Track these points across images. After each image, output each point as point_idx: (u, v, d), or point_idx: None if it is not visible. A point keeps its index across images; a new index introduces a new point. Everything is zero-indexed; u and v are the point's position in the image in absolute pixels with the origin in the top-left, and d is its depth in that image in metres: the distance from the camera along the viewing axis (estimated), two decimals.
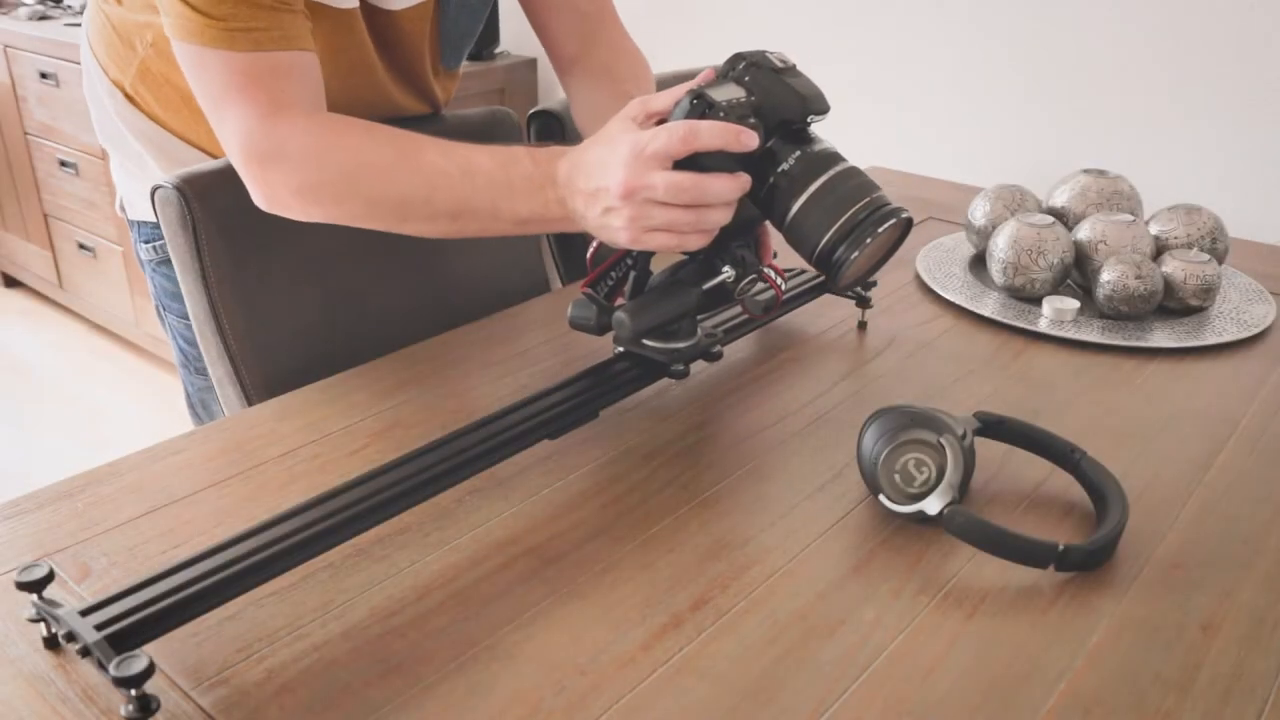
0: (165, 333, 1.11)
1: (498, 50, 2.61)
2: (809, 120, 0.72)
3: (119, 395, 2.56)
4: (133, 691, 0.50)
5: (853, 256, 0.70)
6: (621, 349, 0.81)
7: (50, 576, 0.55)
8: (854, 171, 0.72)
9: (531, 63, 2.64)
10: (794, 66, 0.73)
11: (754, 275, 0.78)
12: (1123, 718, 0.53)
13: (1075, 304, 1.00)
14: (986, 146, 2.05)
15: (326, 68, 0.92)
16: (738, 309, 0.88)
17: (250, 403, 0.93)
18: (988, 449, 0.75)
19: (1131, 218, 1.05)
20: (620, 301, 0.79)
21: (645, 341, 0.78)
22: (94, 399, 2.55)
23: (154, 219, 0.94)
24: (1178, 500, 0.72)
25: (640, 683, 0.55)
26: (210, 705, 0.53)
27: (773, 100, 0.71)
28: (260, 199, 0.83)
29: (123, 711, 0.50)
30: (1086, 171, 1.13)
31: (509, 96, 2.60)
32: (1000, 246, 1.04)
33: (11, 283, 3.17)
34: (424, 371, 0.88)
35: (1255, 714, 0.54)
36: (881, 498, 0.68)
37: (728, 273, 0.76)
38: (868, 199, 0.71)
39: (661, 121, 0.72)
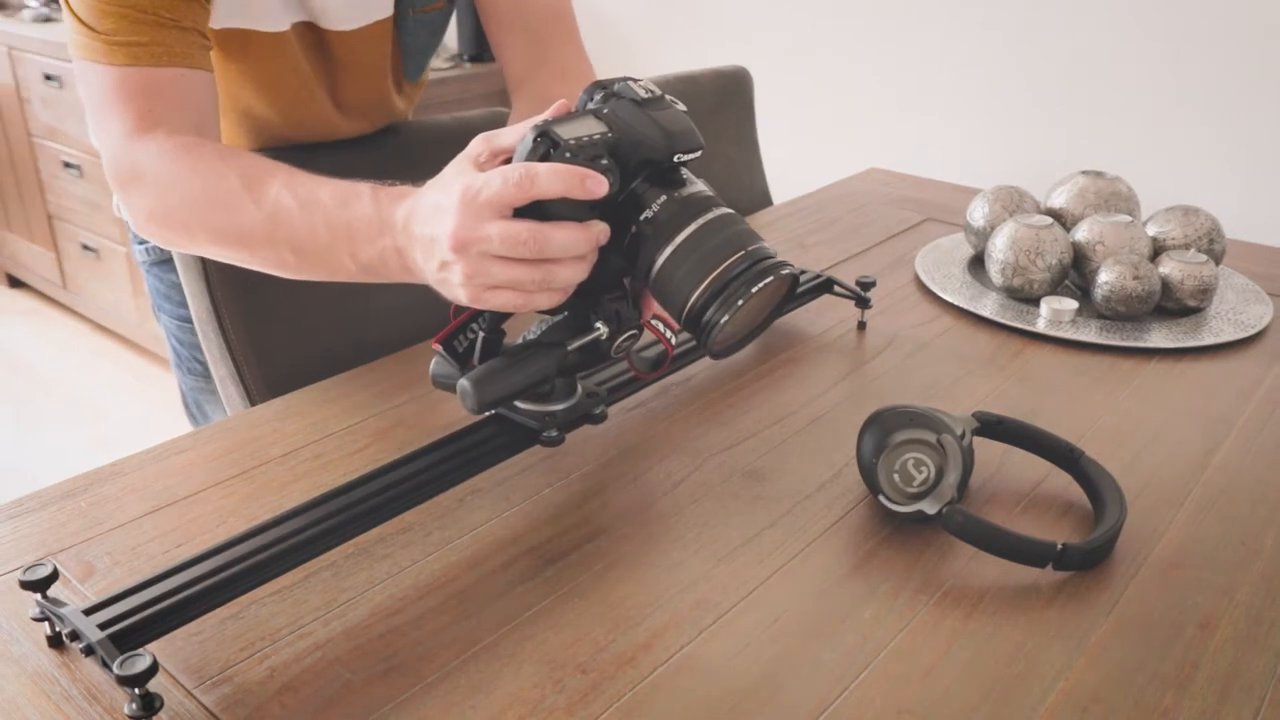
0: (161, 332, 1.11)
1: None
2: (677, 160, 0.63)
3: (122, 395, 2.57)
4: (136, 690, 0.50)
5: (723, 320, 0.60)
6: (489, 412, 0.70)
7: (54, 576, 0.55)
8: (730, 219, 0.62)
9: None
10: (662, 97, 0.63)
11: (633, 331, 0.68)
12: (1120, 716, 0.54)
13: (1073, 304, 1.00)
14: (985, 147, 2.05)
15: (254, 90, 0.91)
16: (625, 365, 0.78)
17: (252, 402, 0.93)
18: (986, 449, 0.75)
19: (1129, 219, 1.05)
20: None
21: (517, 404, 0.69)
22: (97, 399, 2.55)
23: None
24: (1175, 500, 0.72)
25: (640, 682, 0.55)
26: (213, 704, 0.54)
27: (633, 137, 0.62)
28: (130, 222, 0.80)
29: (126, 710, 0.51)
30: (1084, 172, 1.13)
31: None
32: (999, 247, 1.04)
33: (15, 283, 3.18)
34: (426, 371, 0.88)
35: (1252, 712, 0.54)
36: (881, 497, 0.68)
37: (600, 330, 0.66)
38: (742, 252, 0.61)
39: (508, 161, 0.63)
